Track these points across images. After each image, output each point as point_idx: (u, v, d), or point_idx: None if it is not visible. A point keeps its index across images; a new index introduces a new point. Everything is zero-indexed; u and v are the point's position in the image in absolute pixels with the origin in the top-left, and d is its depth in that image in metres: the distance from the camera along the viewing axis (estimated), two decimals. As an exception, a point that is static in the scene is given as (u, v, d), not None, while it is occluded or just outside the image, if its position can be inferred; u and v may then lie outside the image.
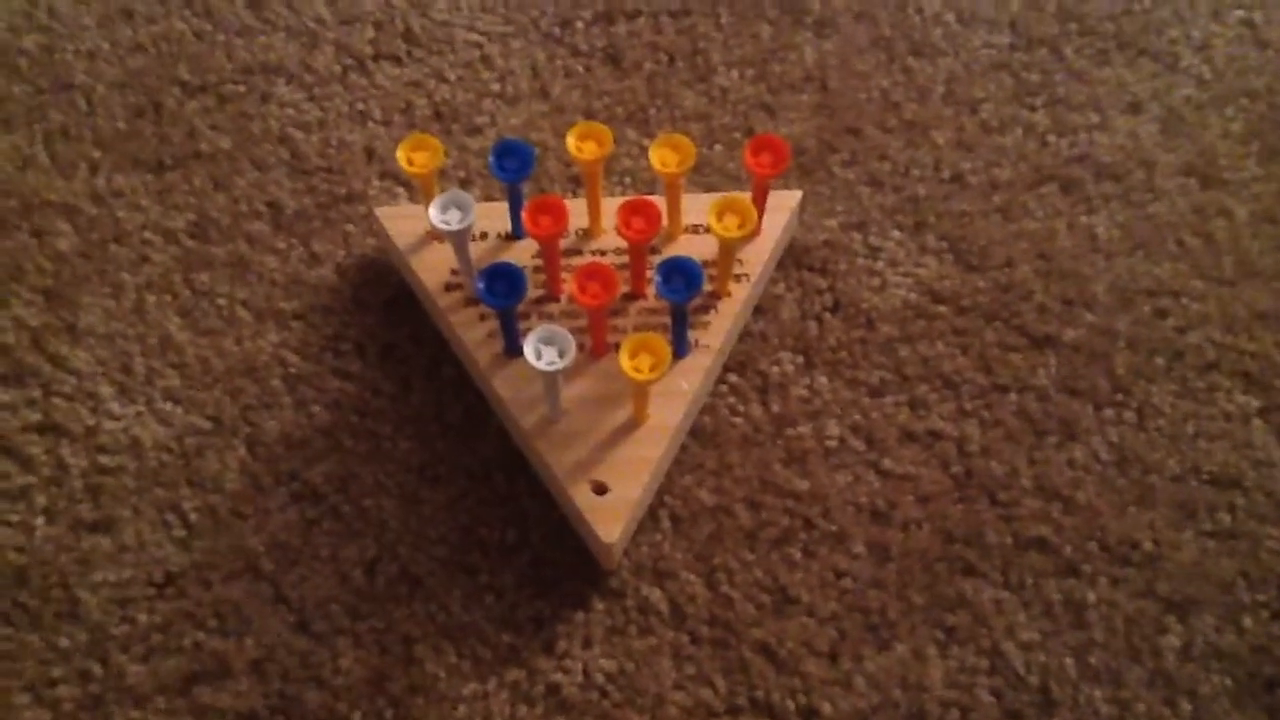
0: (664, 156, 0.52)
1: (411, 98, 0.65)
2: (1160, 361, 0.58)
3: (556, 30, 0.68)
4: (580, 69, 0.67)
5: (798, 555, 0.54)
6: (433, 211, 0.51)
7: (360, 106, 0.65)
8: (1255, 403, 0.57)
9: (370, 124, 0.65)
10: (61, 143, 0.64)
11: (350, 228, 0.62)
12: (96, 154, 0.63)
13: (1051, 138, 0.65)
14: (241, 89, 0.65)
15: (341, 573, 0.53)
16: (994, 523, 0.55)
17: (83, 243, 0.61)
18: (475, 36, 0.68)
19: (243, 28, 0.67)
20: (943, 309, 0.60)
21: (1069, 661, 0.51)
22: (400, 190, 0.63)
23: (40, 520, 0.54)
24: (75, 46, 0.66)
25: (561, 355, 0.48)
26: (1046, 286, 0.60)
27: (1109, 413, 0.57)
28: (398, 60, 0.67)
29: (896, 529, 0.54)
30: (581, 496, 0.51)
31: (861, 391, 0.58)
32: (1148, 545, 0.54)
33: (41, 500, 0.54)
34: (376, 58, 0.67)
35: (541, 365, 0.48)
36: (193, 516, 0.54)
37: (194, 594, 0.53)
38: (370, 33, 0.67)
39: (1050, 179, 0.64)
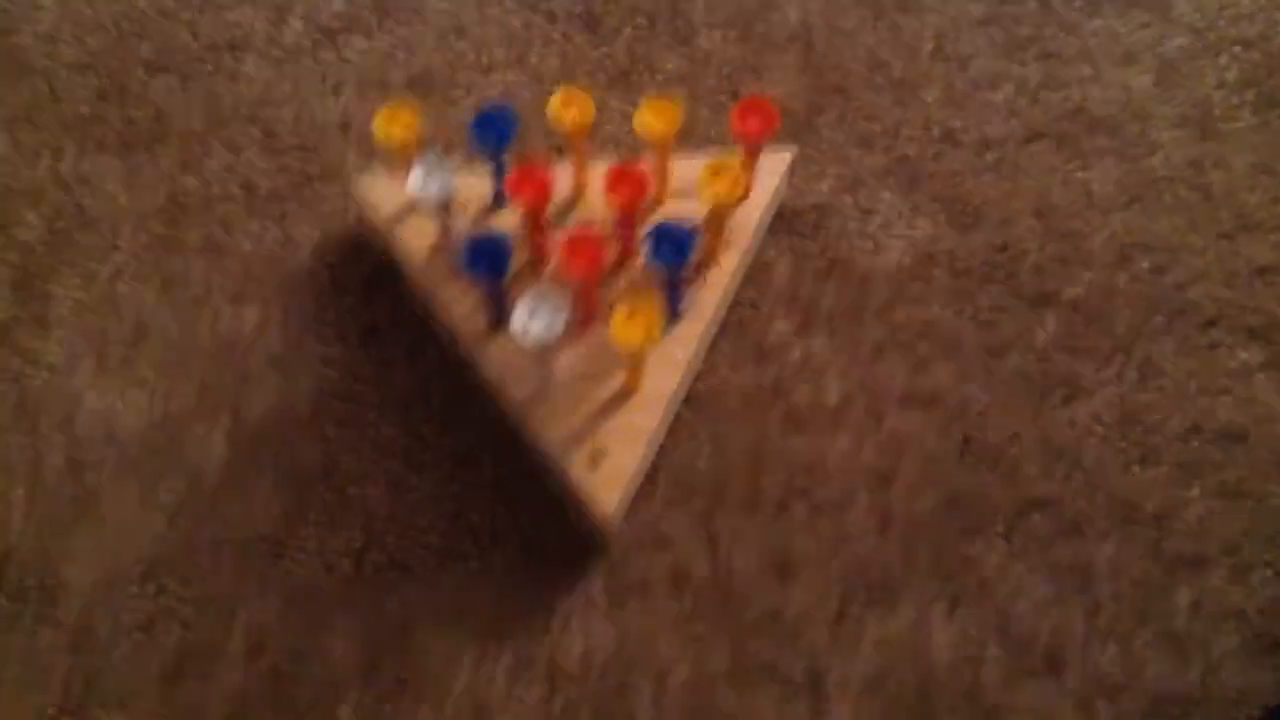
0: (648, 121, 0.51)
1: (385, 70, 0.63)
2: (1160, 319, 0.57)
3: (532, -3, 0.66)
4: (558, 35, 0.65)
5: (798, 521, 0.52)
6: (412, 179, 0.49)
7: (332, 81, 0.63)
8: (1258, 357, 0.56)
9: (343, 98, 0.63)
10: (25, 130, 0.61)
11: (326, 205, 0.60)
12: (61, 139, 0.61)
13: (1044, 93, 0.63)
14: (209, 67, 0.63)
15: (327, 563, 0.52)
16: (997, 484, 0.53)
17: (49, 232, 0.59)
18: (447, 5, 0.66)
19: (206, 3, 0.65)
20: (938, 271, 0.58)
21: (1077, 622, 0.50)
22: (377, 165, 0.61)
23: (18, 515, 0.52)
24: (33, 29, 0.64)
25: (549, 327, 0.46)
26: (1043, 245, 0.59)
27: (1110, 371, 0.56)
28: (368, 32, 0.65)
29: (899, 491, 0.53)
30: (578, 468, 0.50)
31: (860, 353, 0.56)
32: (1153, 505, 0.53)
33: (19, 493, 0.52)
34: (347, 30, 0.65)
35: (529, 338, 0.46)
36: (175, 504, 0.52)
37: (178, 585, 0.51)
38: (339, 4, 0.65)
39: (1043, 135, 0.62)
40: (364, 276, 0.58)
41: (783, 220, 0.59)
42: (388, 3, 0.65)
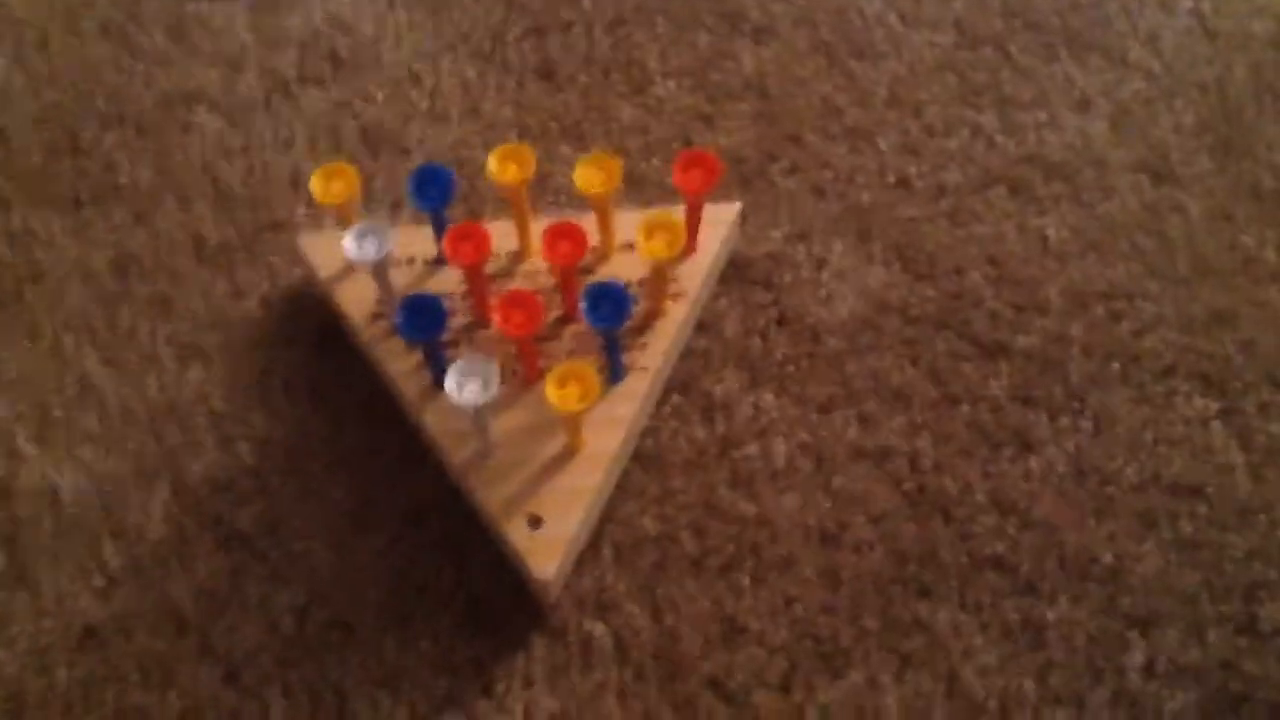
0: (589, 177, 0.50)
1: (338, 121, 0.63)
2: (1116, 366, 0.56)
3: (486, 45, 0.66)
4: (512, 84, 0.65)
5: (746, 582, 0.52)
6: (347, 242, 0.49)
7: (284, 133, 0.63)
8: (1214, 405, 0.55)
9: (295, 150, 0.62)
10: (-25, 182, 0.61)
11: (275, 259, 0.59)
12: (10, 192, 0.61)
13: (999, 138, 0.63)
14: (161, 118, 0.63)
15: (271, 620, 0.51)
16: (949, 541, 0.53)
17: (-3, 285, 0.59)
18: (403, 55, 0.66)
19: (162, 56, 0.65)
20: (891, 320, 0.58)
21: (1029, 684, 0.49)
22: (327, 220, 0.61)
23: (-49, 579, 0.51)
24: (-12, 81, 0.64)
25: (485, 387, 0.46)
26: (998, 292, 0.59)
27: (1064, 421, 0.55)
28: (322, 83, 0.65)
29: (848, 551, 0.52)
30: (516, 532, 0.49)
31: (809, 408, 0.56)
32: (1108, 559, 0.52)
33: (-47, 557, 0.52)
34: (301, 81, 0.65)
35: (463, 399, 0.46)
36: (114, 566, 0.52)
37: (116, 647, 0.50)
38: (294, 55, 0.65)
39: (999, 181, 0.62)
40: (314, 330, 0.58)
41: (735, 269, 0.59)
42: (342, 53, 0.65)
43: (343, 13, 0.67)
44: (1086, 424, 0.55)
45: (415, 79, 0.65)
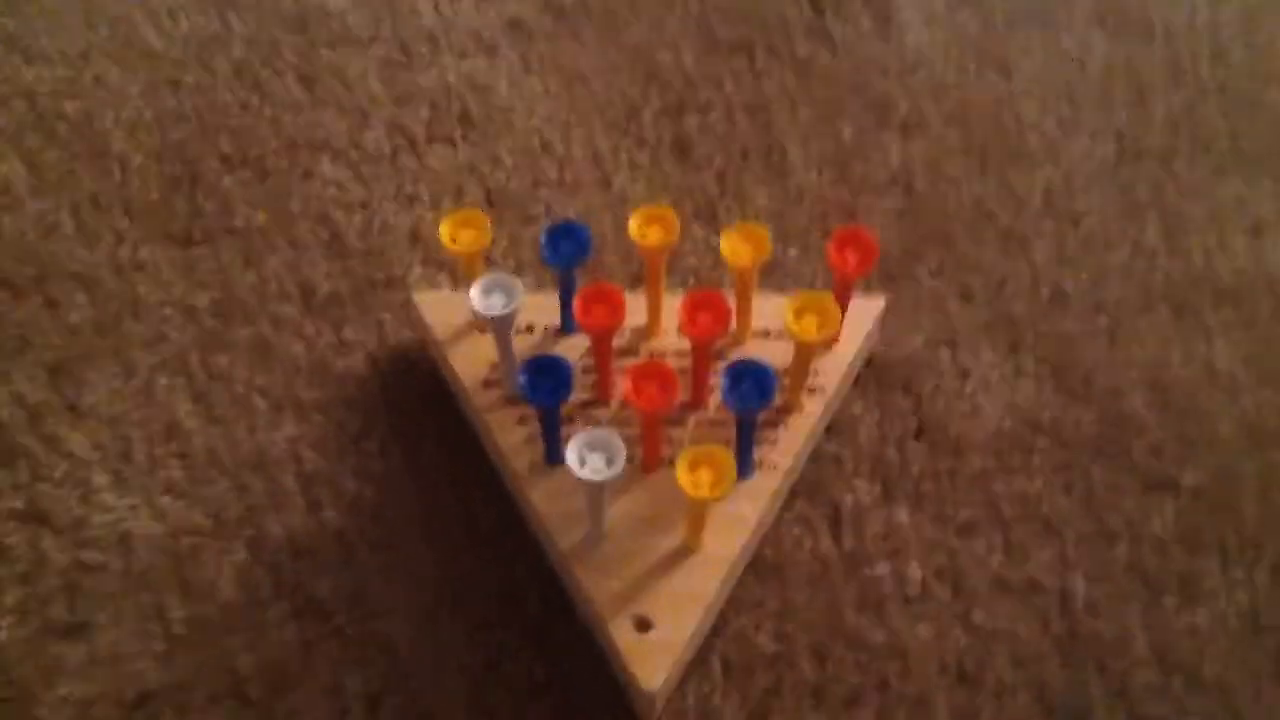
0: (736, 246, 0.47)
1: (463, 182, 0.61)
2: (1297, 514, 0.50)
3: (622, 119, 0.64)
4: (645, 160, 0.62)
5: (871, 719, 0.46)
6: (474, 294, 0.45)
7: (408, 189, 0.61)
8: None
9: (417, 207, 0.60)
10: (90, 211, 0.59)
11: (386, 315, 0.56)
12: (124, 224, 0.59)
13: (1163, 257, 0.58)
14: (284, 164, 0.61)
15: (341, 706, 0.46)
16: (1103, 696, 0.46)
17: (97, 315, 0.56)
18: (536, 122, 0.63)
19: (292, 102, 0.64)
20: (1043, 440, 0.53)
21: None
22: (444, 279, 0.58)
23: (7, 620, 0.47)
24: (116, 114, 0.63)
25: (609, 464, 0.42)
26: (1162, 421, 0.53)
27: (1238, 571, 0.49)
28: (451, 143, 0.62)
29: (988, 695, 0.46)
30: (622, 633, 0.44)
31: (949, 530, 0.50)
32: (1290, 734, 0.45)
33: (12, 598, 0.48)
34: (430, 139, 0.62)
35: (585, 474, 0.41)
36: (178, 627, 0.48)
37: (168, 718, 0.46)
38: (425, 113, 0.63)
39: (1162, 301, 0.57)
40: (418, 392, 0.54)
41: (871, 372, 0.54)
42: (475, 115, 0.63)
43: (477, 74, 0.65)
44: (1263, 575, 0.49)
45: (546, 146, 0.62)
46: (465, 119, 0.63)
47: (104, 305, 0.56)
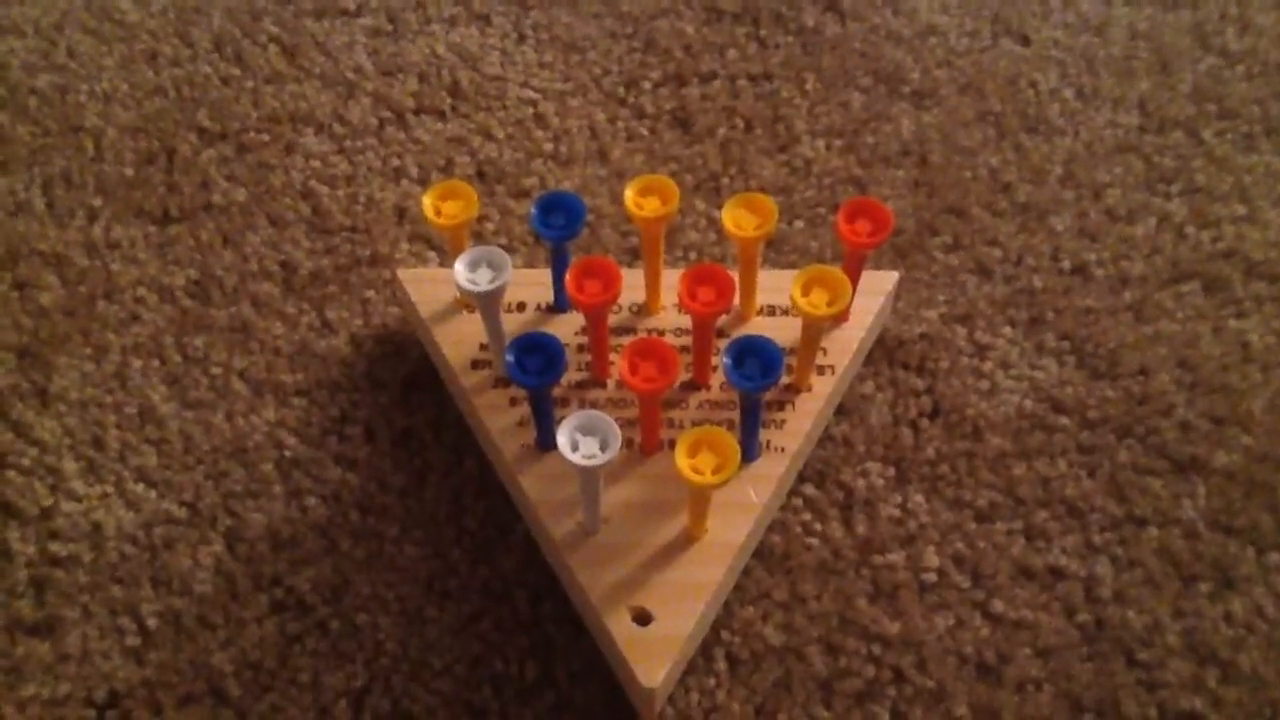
0: (739, 218, 0.44)
1: (453, 155, 0.58)
2: (1336, 498, 0.47)
3: (620, 90, 0.61)
4: (644, 131, 0.59)
5: (884, 715, 0.43)
6: (459, 268, 0.42)
7: (395, 162, 0.58)
8: None
9: (404, 181, 0.57)
10: (61, 188, 0.57)
11: (371, 294, 0.53)
12: (97, 202, 0.56)
13: (1190, 229, 0.55)
14: (265, 138, 0.58)
15: (322, 705, 0.43)
16: (1132, 688, 0.44)
17: (68, 297, 0.53)
18: (529, 93, 0.60)
19: (273, 74, 0.61)
20: (1065, 421, 0.50)
21: None
22: (432, 255, 0.55)
23: (-32, 616, 0.45)
24: (90, 88, 0.60)
25: (603, 448, 0.39)
26: (1191, 400, 0.50)
27: (1274, 556, 0.46)
28: (441, 115, 0.60)
29: (1009, 689, 0.44)
30: (619, 626, 0.41)
31: (966, 515, 0.48)
32: (1333, 730, 0.42)
33: (-25, 591, 0.46)
34: (418, 111, 0.60)
35: (578, 458, 0.38)
36: (151, 623, 0.45)
37: (141, 719, 0.43)
38: (413, 85, 0.60)
39: (1191, 276, 0.54)
40: (403, 375, 0.51)
41: (884, 349, 0.52)
42: (465, 86, 0.60)
43: (468, 44, 0.62)
44: (1301, 563, 0.46)
45: (540, 118, 0.59)
46: (455, 90, 0.60)
47: (75, 286, 0.54)
